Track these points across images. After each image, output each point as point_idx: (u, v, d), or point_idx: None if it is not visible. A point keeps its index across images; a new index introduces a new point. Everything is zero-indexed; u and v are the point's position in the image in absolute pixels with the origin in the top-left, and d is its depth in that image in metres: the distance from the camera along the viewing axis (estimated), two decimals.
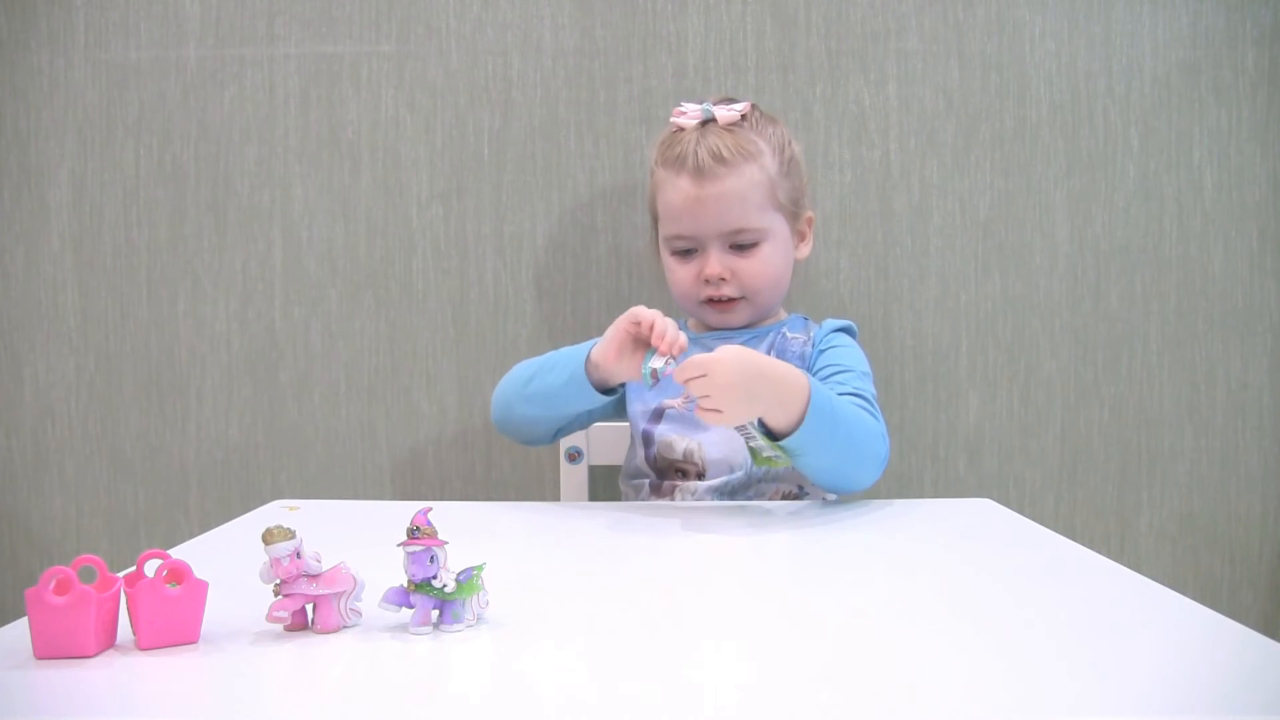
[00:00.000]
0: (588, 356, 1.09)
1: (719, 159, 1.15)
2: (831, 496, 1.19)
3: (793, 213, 1.21)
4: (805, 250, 1.26)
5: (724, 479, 1.14)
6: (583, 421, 1.22)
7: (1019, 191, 1.40)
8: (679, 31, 1.39)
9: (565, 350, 1.14)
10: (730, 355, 0.97)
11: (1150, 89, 1.39)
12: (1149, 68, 1.39)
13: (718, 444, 1.15)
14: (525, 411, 1.16)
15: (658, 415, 1.18)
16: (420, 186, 1.41)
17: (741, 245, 1.18)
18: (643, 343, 1.05)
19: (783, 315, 1.27)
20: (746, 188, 1.16)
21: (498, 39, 1.39)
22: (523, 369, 1.17)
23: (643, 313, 1.04)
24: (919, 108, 1.39)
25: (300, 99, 1.40)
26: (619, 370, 1.07)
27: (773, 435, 0.99)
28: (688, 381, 0.97)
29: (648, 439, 1.18)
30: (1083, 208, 1.40)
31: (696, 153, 1.15)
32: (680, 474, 1.16)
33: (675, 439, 1.17)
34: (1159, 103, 1.39)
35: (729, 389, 0.96)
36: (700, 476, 1.15)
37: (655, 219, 1.25)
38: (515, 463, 1.41)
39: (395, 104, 1.40)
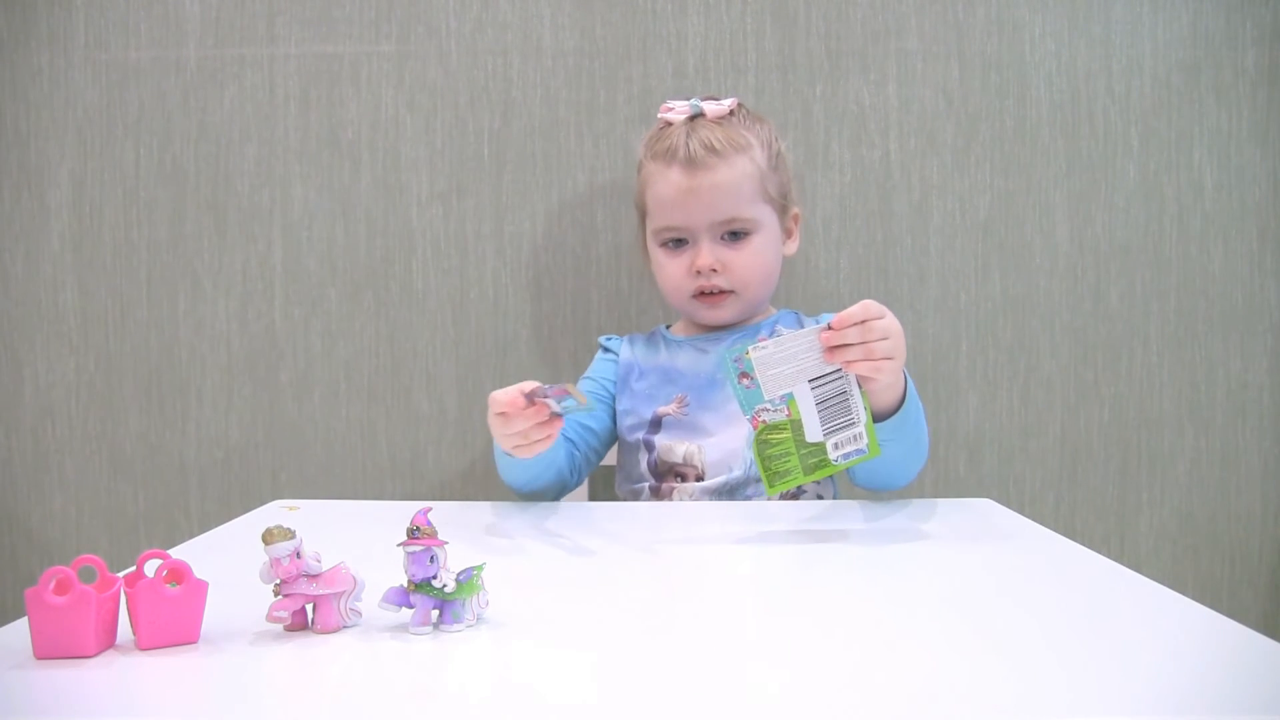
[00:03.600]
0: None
1: (711, 150, 1.14)
2: (829, 496, 1.19)
3: (782, 206, 1.21)
4: (793, 247, 1.25)
5: (722, 479, 1.14)
6: (599, 454, 1.23)
7: (1019, 191, 1.40)
8: (679, 31, 1.39)
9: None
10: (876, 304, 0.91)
11: (1150, 89, 1.39)
12: (1149, 68, 1.39)
13: (717, 446, 1.15)
14: (526, 480, 1.11)
15: (655, 424, 1.19)
16: (420, 186, 1.41)
17: (733, 235, 1.17)
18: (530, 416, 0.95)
19: (771, 312, 1.27)
20: (738, 178, 1.16)
21: (498, 39, 1.39)
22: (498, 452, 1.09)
23: (502, 400, 0.95)
24: (919, 108, 1.39)
25: (300, 99, 1.40)
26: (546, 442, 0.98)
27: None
28: (859, 326, 0.88)
29: (648, 446, 1.18)
30: (1083, 208, 1.40)
31: (688, 144, 1.15)
32: (679, 477, 1.16)
33: (674, 443, 1.17)
34: (1159, 103, 1.39)
35: (899, 334, 0.91)
36: (699, 479, 1.15)
37: (643, 215, 1.25)
38: None
39: (395, 104, 1.40)
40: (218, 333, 1.42)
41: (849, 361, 0.89)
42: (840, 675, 0.57)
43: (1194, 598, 0.69)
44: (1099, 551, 0.84)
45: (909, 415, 0.99)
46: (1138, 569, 0.78)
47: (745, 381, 0.91)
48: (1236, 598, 1.41)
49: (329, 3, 1.39)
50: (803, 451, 0.93)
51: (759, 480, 1.14)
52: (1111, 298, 1.40)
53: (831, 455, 0.93)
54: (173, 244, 1.42)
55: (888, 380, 0.92)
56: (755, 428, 0.93)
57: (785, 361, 0.90)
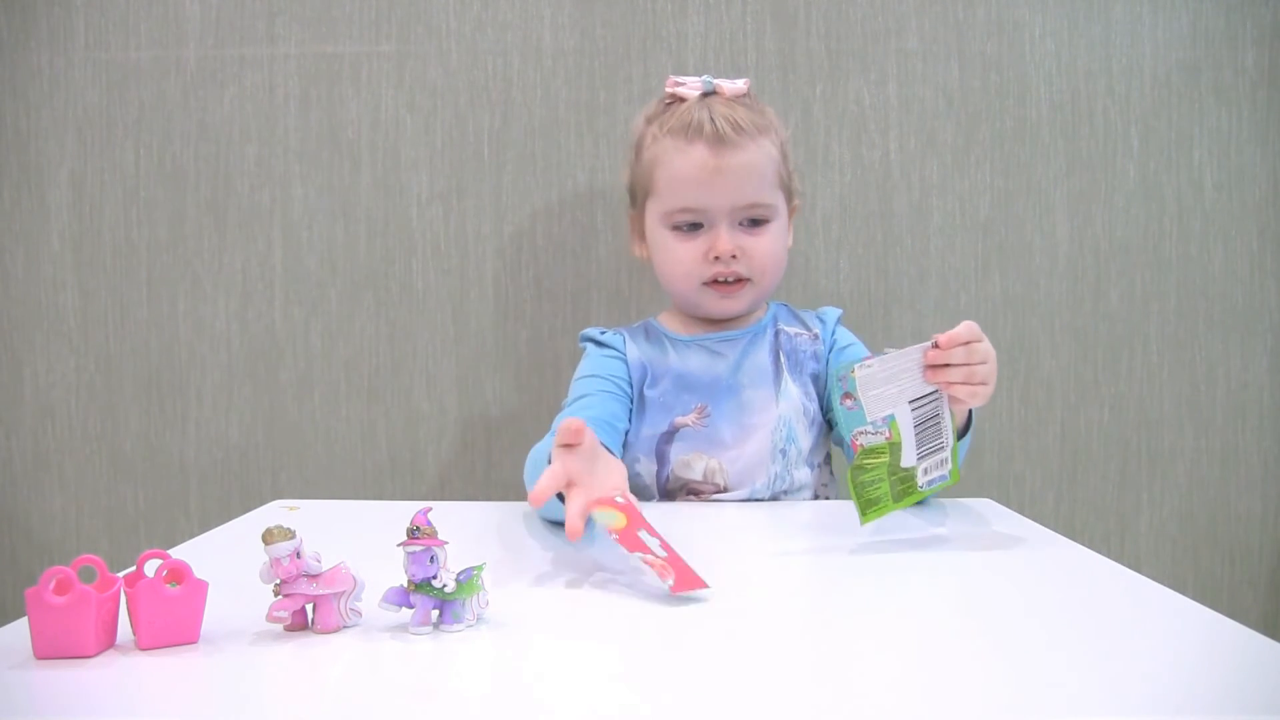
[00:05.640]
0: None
1: (738, 129, 1.07)
2: (833, 497, 1.19)
3: (789, 194, 1.16)
4: (789, 240, 1.19)
5: (744, 495, 1.09)
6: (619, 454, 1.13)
7: (1019, 191, 1.40)
8: (679, 31, 1.39)
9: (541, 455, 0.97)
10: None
11: (1150, 89, 1.39)
12: (1149, 68, 1.39)
13: (737, 460, 1.09)
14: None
15: (669, 435, 1.11)
16: (420, 186, 1.41)
17: (753, 221, 1.11)
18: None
19: (766, 307, 1.20)
20: (763, 161, 1.10)
21: (498, 39, 1.39)
22: (531, 468, 1.00)
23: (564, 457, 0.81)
24: (919, 108, 1.39)
25: (300, 99, 1.40)
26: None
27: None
28: (963, 346, 0.86)
29: (661, 458, 1.11)
30: (1083, 208, 1.40)
31: (714, 120, 1.07)
32: (692, 494, 1.10)
33: (693, 458, 1.10)
34: (1159, 103, 1.39)
35: (994, 359, 0.88)
36: (717, 495, 1.10)
37: (643, 196, 1.15)
38: (515, 463, 1.40)
39: (395, 104, 1.40)
40: (218, 333, 1.42)
41: (951, 383, 0.86)
42: (840, 673, 0.57)
43: (1194, 598, 0.69)
44: (1099, 551, 0.84)
45: (967, 444, 0.97)
46: (1138, 569, 0.78)
47: (848, 403, 0.85)
48: (1236, 598, 1.41)
49: (329, 3, 1.39)
50: (893, 478, 0.88)
51: (785, 493, 1.11)
52: (1111, 298, 1.40)
53: (920, 481, 0.88)
54: (173, 244, 1.42)
55: (979, 404, 0.90)
56: (855, 451, 0.87)
57: (889, 381, 0.85)
